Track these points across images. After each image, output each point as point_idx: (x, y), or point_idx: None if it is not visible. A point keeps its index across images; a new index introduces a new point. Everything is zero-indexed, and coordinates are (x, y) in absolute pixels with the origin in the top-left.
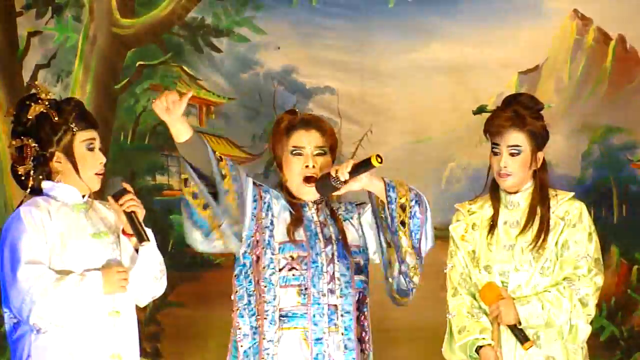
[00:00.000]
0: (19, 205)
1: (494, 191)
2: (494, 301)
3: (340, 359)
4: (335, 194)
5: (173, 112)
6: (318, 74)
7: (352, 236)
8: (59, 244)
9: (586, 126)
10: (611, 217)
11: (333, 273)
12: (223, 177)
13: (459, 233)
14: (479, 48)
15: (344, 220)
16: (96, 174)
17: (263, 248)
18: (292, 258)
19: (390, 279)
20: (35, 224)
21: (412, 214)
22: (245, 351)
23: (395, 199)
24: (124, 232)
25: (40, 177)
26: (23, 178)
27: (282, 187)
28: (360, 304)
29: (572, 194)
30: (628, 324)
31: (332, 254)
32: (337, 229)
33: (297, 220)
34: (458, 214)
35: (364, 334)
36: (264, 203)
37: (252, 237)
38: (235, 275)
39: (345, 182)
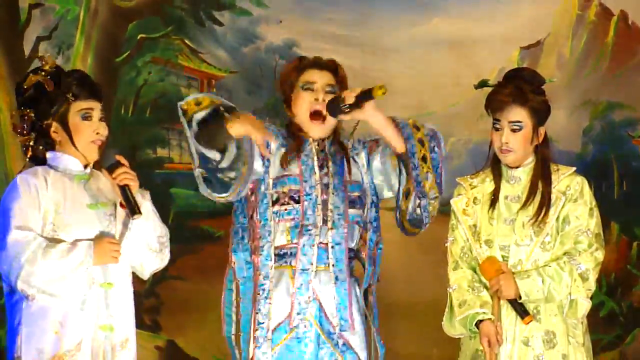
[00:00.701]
0: (18, 174)
1: (495, 166)
2: (494, 275)
3: (330, 293)
4: (342, 117)
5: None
6: (319, 48)
7: (353, 171)
8: (53, 212)
9: (587, 102)
10: (611, 193)
11: (327, 205)
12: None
13: (461, 207)
14: (481, 23)
15: (351, 158)
16: (92, 142)
17: (257, 182)
18: (284, 192)
19: (404, 209)
20: (30, 192)
21: (432, 148)
22: (242, 284)
23: (411, 134)
24: (121, 204)
25: (41, 147)
26: (24, 148)
27: (290, 125)
28: (354, 238)
29: (574, 169)
30: (627, 300)
31: (327, 186)
32: (338, 164)
33: (291, 149)
34: (459, 188)
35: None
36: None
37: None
38: (233, 211)
39: (352, 107)
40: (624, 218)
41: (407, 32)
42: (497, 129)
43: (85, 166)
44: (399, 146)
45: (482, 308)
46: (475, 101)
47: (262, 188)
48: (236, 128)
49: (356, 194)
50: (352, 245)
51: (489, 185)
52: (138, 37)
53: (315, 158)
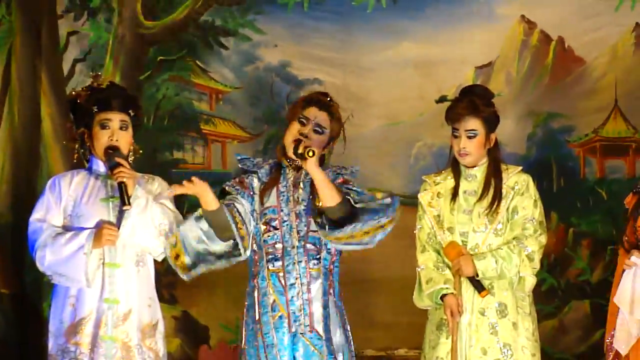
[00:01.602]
0: None
1: (455, 166)
2: (456, 257)
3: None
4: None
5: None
6: (308, 67)
7: None
8: (72, 206)
9: (531, 112)
10: (551, 188)
11: (297, 228)
12: (242, 238)
13: (427, 200)
14: (442, 47)
15: None
16: (105, 147)
17: (253, 221)
18: (267, 223)
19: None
20: (54, 190)
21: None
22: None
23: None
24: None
25: (82, 150)
26: (76, 153)
27: (282, 148)
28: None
29: (521, 167)
30: (565, 277)
31: (299, 213)
32: (307, 191)
33: (268, 185)
34: (425, 184)
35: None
36: (249, 186)
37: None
38: None
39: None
40: (562, 209)
41: (381, 54)
42: (455, 136)
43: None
44: (329, 200)
45: (445, 284)
46: (438, 112)
47: (253, 223)
48: (206, 204)
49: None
50: (318, 257)
51: (450, 182)
52: (158, 59)
53: (291, 187)
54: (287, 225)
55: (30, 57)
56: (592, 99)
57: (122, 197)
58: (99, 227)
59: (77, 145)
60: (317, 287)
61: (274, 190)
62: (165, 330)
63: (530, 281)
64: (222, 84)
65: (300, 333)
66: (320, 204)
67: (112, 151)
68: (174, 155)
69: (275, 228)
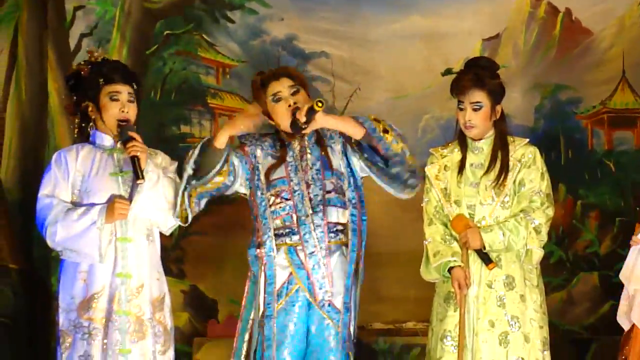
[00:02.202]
0: None
1: (461, 138)
2: (463, 230)
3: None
4: (305, 132)
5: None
6: (315, 41)
7: (331, 159)
8: (80, 180)
9: (538, 84)
10: (559, 160)
11: (309, 195)
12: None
13: (433, 173)
14: (449, 19)
15: (327, 147)
16: (117, 119)
17: (255, 189)
18: (277, 194)
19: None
20: (60, 165)
21: (390, 125)
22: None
23: (367, 119)
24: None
25: (83, 124)
26: (75, 127)
27: (277, 133)
28: (336, 218)
29: (527, 140)
30: (573, 249)
31: (311, 179)
32: (316, 156)
33: (277, 162)
34: (432, 157)
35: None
36: (251, 154)
37: (250, 181)
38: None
39: (307, 123)
40: (570, 180)
41: (388, 27)
42: (461, 109)
43: (117, 141)
44: (357, 132)
45: (453, 257)
46: (445, 85)
47: (259, 193)
48: (219, 140)
49: (332, 180)
50: (335, 221)
51: (457, 155)
52: (164, 33)
53: (299, 157)
54: (298, 194)
55: (36, 32)
56: (599, 70)
57: (136, 171)
58: (111, 201)
59: (77, 120)
60: (335, 259)
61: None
62: (174, 304)
63: (538, 254)
64: (229, 58)
65: (319, 305)
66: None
67: (124, 124)
68: (181, 129)
69: (287, 199)
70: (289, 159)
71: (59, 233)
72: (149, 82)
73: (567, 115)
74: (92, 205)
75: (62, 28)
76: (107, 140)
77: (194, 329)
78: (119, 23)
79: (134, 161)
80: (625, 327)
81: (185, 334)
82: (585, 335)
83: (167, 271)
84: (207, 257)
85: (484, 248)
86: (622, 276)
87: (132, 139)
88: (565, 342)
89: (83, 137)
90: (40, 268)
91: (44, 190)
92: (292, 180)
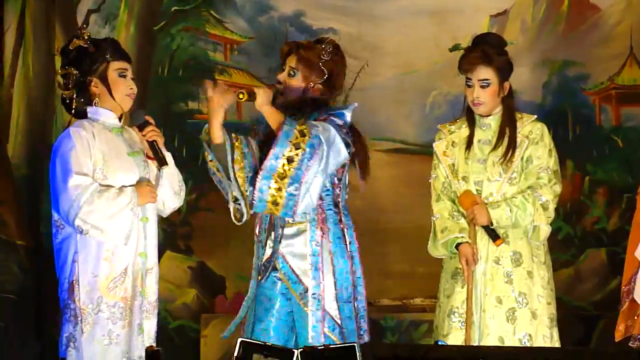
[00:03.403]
0: (67, 127)
1: (469, 115)
2: (470, 206)
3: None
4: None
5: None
6: (323, 17)
7: None
8: (102, 160)
9: (546, 60)
10: (567, 136)
11: None
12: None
13: (441, 149)
14: None
15: None
16: (127, 95)
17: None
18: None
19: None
20: (82, 142)
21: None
22: None
23: (289, 132)
24: (148, 156)
25: (82, 100)
26: (67, 102)
27: None
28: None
29: (535, 116)
30: (580, 225)
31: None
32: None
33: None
34: (440, 133)
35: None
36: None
37: None
38: None
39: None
40: (578, 157)
41: (396, 3)
42: (469, 86)
43: (120, 119)
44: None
45: (460, 233)
46: (453, 60)
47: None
48: (214, 136)
49: None
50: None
51: (465, 131)
52: (172, 9)
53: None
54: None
55: (44, 8)
56: (607, 46)
57: (158, 156)
58: (140, 184)
59: (74, 95)
60: (300, 240)
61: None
62: (182, 280)
63: (545, 230)
64: (237, 34)
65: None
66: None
67: (136, 109)
68: (188, 105)
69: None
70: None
71: (96, 212)
72: (156, 59)
73: (575, 91)
74: (122, 186)
75: (69, 4)
76: (111, 117)
77: (202, 305)
78: None
79: (154, 146)
80: None
81: (192, 310)
82: (593, 311)
83: (175, 247)
84: (215, 233)
85: (492, 224)
86: (638, 253)
87: (148, 122)
88: (572, 319)
89: (77, 113)
90: (47, 245)
91: (75, 167)
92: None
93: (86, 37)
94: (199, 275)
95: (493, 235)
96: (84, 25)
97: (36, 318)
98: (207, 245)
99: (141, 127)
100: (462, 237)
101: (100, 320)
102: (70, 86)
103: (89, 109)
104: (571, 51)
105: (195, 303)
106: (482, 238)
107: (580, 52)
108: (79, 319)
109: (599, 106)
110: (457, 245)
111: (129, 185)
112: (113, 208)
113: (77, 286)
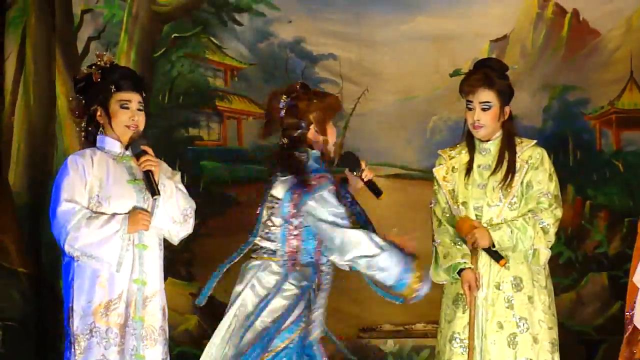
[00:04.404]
0: (67, 154)
1: (469, 139)
2: (468, 230)
3: None
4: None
5: None
6: (323, 43)
7: None
8: (98, 187)
9: (546, 85)
10: (567, 161)
11: None
12: None
13: (441, 174)
14: (457, 20)
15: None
16: (127, 126)
17: None
18: None
19: None
20: (77, 170)
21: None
22: None
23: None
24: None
25: (90, 128)
26: (80, 131)
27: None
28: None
29: (535, 141)
30: (582, 250)
31: None
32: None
33: None
34: (440, 158)
35: None
36: None
37: None
38: None
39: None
40: (578, 181)
41: (396, 28)
42: (470, 109)
43: (126, 147)
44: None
45: (463, 259)
46: (453, 86)
47: None
48: None
49: None
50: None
51: (465, 156)
52: (172, 36)
53: None
54: None
55: (44, 36)
56: (607, 71)
57: (151, 186)
58: (133, 212)
59: (83, 123)
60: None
61: None
62: (183, 307)
63: (545, 254)
64: (237, 60)
65: None
66: None
67: (137, 138)
68: (189, 132)
69: None
70: None
71: (82, 239)
72: (156, 85)
73: (575, 115)
74: (113, 213)
75: (69, 31)
76: (116, 146)
77: (203, 331)
78: (126, 26)
79: (149, 176)
80: None
81: (194, 336)
82: (595, 336)
83: (176, 274)
84: (216, 259)
85: (493, 245)
86: (638, 280)
87: (145, 152)
88: (574, 343)
89: (88, 141)
90: (49, 272)
91: (65, 195)
92: None
93: (102, 64)
94: None
95: (496, 256)
96: (104, 53)
97: (37, 345)
98: (208, 272)
99: (138, 157)
100: (465, 262)
101: (93, 345)
102: (79, 114)
103: (98, 137)
104: (571, 76)
105: (197, 329)
106: (484, 264)
107: (581, 77)
108: (74, 344)
109: (599, 130)
110: (460, 271)
111: (123, 213)
112: (101, 234)
113: (72, 312)
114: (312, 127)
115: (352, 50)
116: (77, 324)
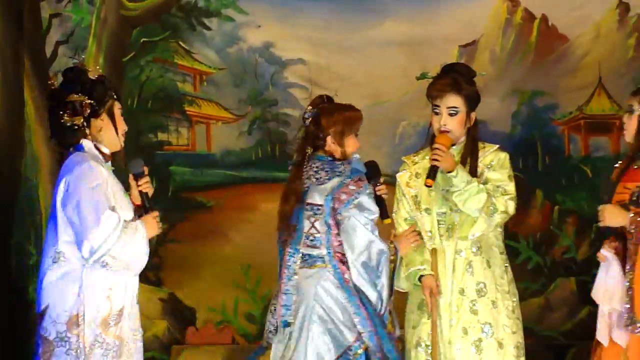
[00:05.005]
0: (63, 154)
1: (433, 145)
2: (446, 143)
3: None
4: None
5: None
6: (292, 47)
7: None
8: (113, 198)
9: (515, 90)
10: (536, 166)
11: None
12: None
13: (404, 180)
14: (426, 26)
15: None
16: (122, 134)
17: None
18: None
19: None
20: (104, 178)
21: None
22: None
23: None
24: (134, 203)
25: (79, 130)
26: (74, 128)
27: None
28: None
29: (497, 146)
30: (550, 255)
31: None
32: None
33: None
34: (404, 164)
35: None
36: None
37: None
38: None
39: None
40: (547, 186)
41: (364, 34)
42: (436, 113)
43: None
44: None
45: (422, 265)
46: (422, 91)
47: None
48: None
49: None
50: None
51: (428, 162)
52: (141, 41)
53: None
54: None
55: (12, 40)
56: (576, 76)
57: (145, 207)
58: (146, 217)
59: (83, 123)
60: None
61: None
62: (152, 312)
63: (479, 229)
64: (206, 65)
65: None
66: None
67: (137, 159)
68: (158, 137)
69: None
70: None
71: (124, 246)
72: (125, 90)
73: (544, 121)
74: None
75: (38, 35)
76: (106, 154)
77: (172, 336)
78: (95, 31)
79: (144, 198)
80: (605, 342)
81: (163, 342)
82: (563, 340)
83: (145, 279)
84: (184, 264)
85: (450, 173)
86: (594, 295)
87: (144, 174)
88: (542, 348)
89: (62, 146)
90: (17, 278)
91: (108, 204)
92: None
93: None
94: (170, 307)
95: (432, 173)
96: (82, 57)
97: (7, 352)
98: (177, 277)
99: (137, 177)
100: (425, 269)
101: (98, 356)
102: (80, 113)
103: (86, 142)
104: (540, 81)
105: (166, 334)
106: (447, 270)
107: (549, 82)
108: (81, 353)
109: (567, 136)
110: (421, 277)
111: (132, 221)
112: (136, 240)
113: (81, 320)
114: (328, 138)
115: (321, 55)
116: (87, 333)
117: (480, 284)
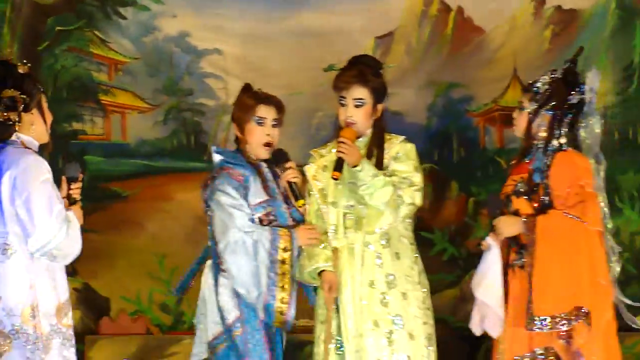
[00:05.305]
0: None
1: (338, 138)
2: (351, 137)
3: None
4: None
5: None
6: (208, 37)
7: None
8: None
9: (431, 82)
10: (452, 158)
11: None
12: None
13: (312, 173)
14: (342, 16)
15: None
16: (49, 126)
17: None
18: (267, 214)
19: None
20: (50, 173)
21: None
22: None
23: None
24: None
25: (15, 122)
26: (7, 124)
27: (239, 144)
28: None
29: (403, 137)
30: (465, 247)
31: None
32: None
33: (265, 182)
34: (311, 157)
35: None
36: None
37: None
38: None
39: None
40: (462, 178)
41: (280, 24)
42: (342, 105)
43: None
44: None
45: (325, 262)
46: None
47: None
48: None
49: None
50: None
51: (335, 155)
52: (56, 30)
53: (273, 180)
54: (280, 214)
55: None
56: (491, 68)
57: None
58: (75, 207)
59: (17, 119)
60: None
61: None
62: None
63: (386, 222)
64: (121, 55)
65: None
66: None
67: (75, 163)
68: (73, 126)
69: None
70: (268, 182)
71: (69, 239)
72: (40, 79)
73: (460, 113)
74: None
75: None
76: (36, 144)
77: (86, 326)
78: (9, 19)
79: (72, 202)
80: (495, 335)
81: (77, 331)
82: None
83: None
84: (99, 255)
85: (355, 167)
86: (472, 284)
87: (78, 180)
88: (457, 339)
89: (1, 134)
90: None
91: (58, 197)
92: (275, 200)
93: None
94: (84, 297)
95: (338, 166)
96: (26, 63)
97: None
98: (91, 267)
99: (70, 181)
100: (325, 265)
101: (58, 345)
102: (14, 109)
103: (21, 136)
104: (456, 73)
105: (80, 324)
106: (355, 263)
107: (465, 74)
108: (39, 344)
109: (483, 128)
110: (320, 273)
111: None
112: (74, 233)
113: (37, 312)
114: (233, 125)
115: (236, 45)
116: (43, 325)
117: (390, 276)
